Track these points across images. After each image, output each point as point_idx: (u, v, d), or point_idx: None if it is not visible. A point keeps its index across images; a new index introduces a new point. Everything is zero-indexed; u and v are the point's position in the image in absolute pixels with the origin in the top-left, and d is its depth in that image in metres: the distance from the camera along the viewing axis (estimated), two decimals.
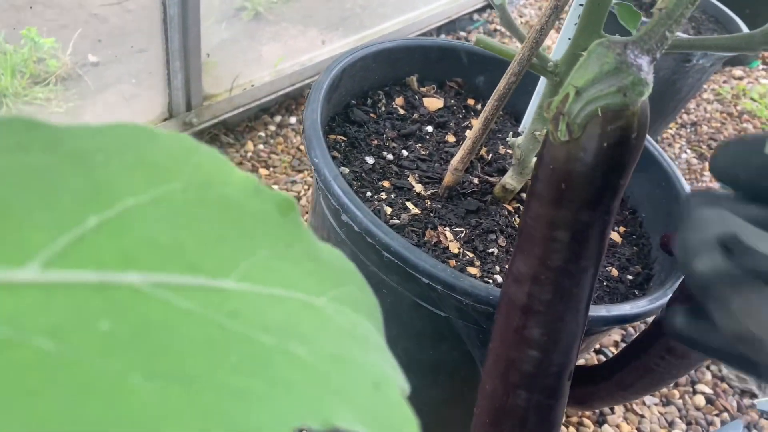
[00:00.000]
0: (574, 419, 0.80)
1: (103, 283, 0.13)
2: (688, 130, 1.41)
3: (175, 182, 0.18)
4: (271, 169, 1.03)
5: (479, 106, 0.71)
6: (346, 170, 0.56)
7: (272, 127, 1.09)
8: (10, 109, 1.01)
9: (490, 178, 0.61)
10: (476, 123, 0.54)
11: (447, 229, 0.54)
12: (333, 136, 0.60)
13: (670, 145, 1.35)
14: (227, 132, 1.06)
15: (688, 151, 1.34)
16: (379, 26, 1.32)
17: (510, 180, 0.58)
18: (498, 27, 1.53)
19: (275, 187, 1.00)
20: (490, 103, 0.52)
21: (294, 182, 1.00)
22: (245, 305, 0.16)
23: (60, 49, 1.14)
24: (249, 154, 1.04)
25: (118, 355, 0.12)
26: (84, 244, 0.14)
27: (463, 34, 1.48)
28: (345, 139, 0.60)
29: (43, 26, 1.16)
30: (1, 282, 0.11)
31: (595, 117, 0.29)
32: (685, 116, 1.45)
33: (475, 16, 1.51)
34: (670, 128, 1.40)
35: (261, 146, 1.06)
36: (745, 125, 1.43)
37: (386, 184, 0.58)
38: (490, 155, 0.65)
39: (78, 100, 1.09)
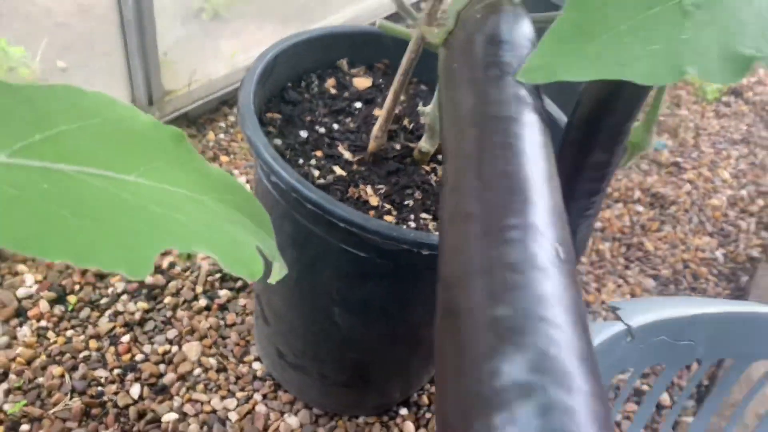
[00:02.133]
0: None
1: (44, 167, 0.22)
2: None
3: (96, 118, 0.27)
4: (232, 155, 1.12)
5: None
6: (279, 142, 0.65)
7: (231, 118, 1.18)
8: None
9: (410, 144, 0.71)
10: (388, 96, 0.63)
11: (369, 186, 0.63)
12: (270, 114, 0.69)
13: None
14: (189, 124, 1.14)
15: None
16: (331, 17, 1.41)
17: (424, 144, 0.68)
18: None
19: (236, 171, 1.09)
20: (397, 78, 0.62)
21: (252, 166, 1.09)
22: (141, 190, 0.25)
23: (29, 57, 1.22)
24: (211, 143, 1.13)
25: (53, 201, 0.21)
26: (32, 147, 0.23)
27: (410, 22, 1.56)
28: (280, 116, 0.69)
29: (12, 36, 1.23)
30: None
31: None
32: None
33: (422, 5, 1.60)
34: None
35: (222, 135, 1.15)
36: (678, 92, 1.54)
37: (319, 153, 0.67)
38: (412, 124, 0.74)
39: None
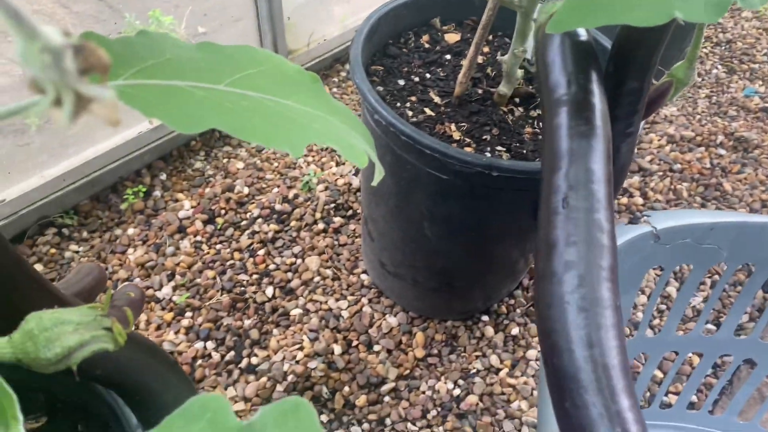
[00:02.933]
0: None
1: (242, 93, 0.39)
2: (723, 48, 1.53)
3: (265, 66, 0.44)
4: None
5: (490, 37, 0.93)
6: (381, 89, 0.81)
7: (343, 74, 1.35)
8: None
9: (491, 89, 0.84)
10: (471, 48, 0.77)
11: (453, 124, 0.78)
12: (374, 67, 0.84)
13: (702, 62, 1.49)
14: None
15: (719, 66, 1.47)
16: None
17: (503, 88, 0.81)
18: None
19: None
20: (477, 32, 0.75)
21: (360, 115, 1.26)
22: (294, 110, 0.42)
23: (176, 24, 1.44)
24: None
25: (250, 111, 0.38)
26: (235, 82, 0.40)
27: None
28: (383, 68, 0.84)
29: (162, 7, 1.46)
30: (212, 88, 0.37)
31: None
32: (720, 35, 1.57)
33: None
34: (705, 47, 1.53)
35: (335, 89, 1.32)
36: None
37: (413, 98, 0.82)
38: (494, 72, 0.87)
39: None
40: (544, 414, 0.46)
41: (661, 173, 1.20)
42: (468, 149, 0.75)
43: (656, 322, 0.99)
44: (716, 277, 1.04)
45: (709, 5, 0.42)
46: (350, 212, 1.11)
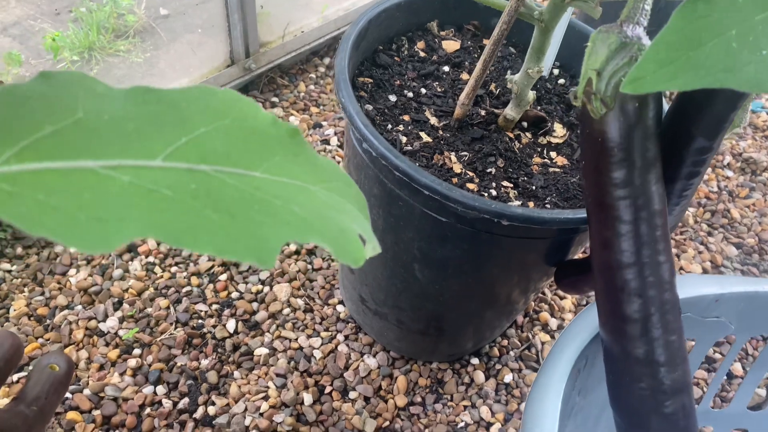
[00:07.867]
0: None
1: (189, 168, 0.27)
2: None
3: (226, 119, 0.31)
4: (321, 107, 1.16)
5: None
6: (370, 107, 0.68)
7: (321, 69, 1.21)
8: (98, 62, 1.17)
9: (496, 110, 0.72)
10: (477, 65, 0.65)
11: (453, 153, 0.66)
12: (362, 79, 0.72)
13: None
14: (282, 75, 1.19)
15: None
16: None
17: (510, 111, 0.69)
18: None
19: (324, 123, 1.13)
20: (487, 47, 0.63)
21: (340, 118, 1.13)
22: (265, 185, 0.30)
23: (135, 4, 1.29)
24: (302, 94, 1.17)
25: (199, 199, 0.26)
26: (180, 150, 0.27)
27: None
28: (372, 81, 0.72)
29: None
30: (144, 166, 0.25)
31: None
32: None
33: None
34: None
35: (312, 87, 1.19)
36: None
37: (406, 117, 0.70)
38: (498, 90, 0.75)
39: (153, 50, 1.23)
40: None
41: None
42: (470, 185, 0.64)
43: None
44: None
45: None
46: None
